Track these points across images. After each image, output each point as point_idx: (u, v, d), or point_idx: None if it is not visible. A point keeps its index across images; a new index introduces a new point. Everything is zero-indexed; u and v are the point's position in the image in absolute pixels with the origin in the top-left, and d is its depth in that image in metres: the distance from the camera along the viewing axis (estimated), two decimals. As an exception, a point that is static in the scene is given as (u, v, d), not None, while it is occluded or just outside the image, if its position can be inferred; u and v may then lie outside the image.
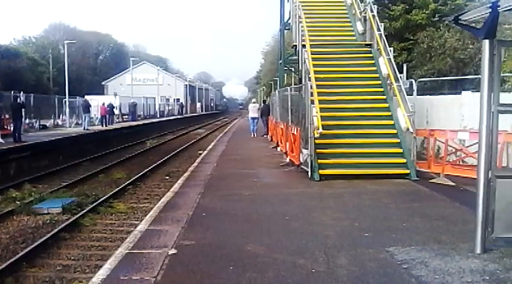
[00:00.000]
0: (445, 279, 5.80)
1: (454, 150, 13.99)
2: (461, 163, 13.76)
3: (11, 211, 13.31)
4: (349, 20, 21.03)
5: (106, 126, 38.81)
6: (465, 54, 27.73)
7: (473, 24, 7.45)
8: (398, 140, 14.27)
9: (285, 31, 30.54)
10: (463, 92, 17.10)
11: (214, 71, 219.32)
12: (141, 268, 6.39)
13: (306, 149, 13.95)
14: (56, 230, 11.30)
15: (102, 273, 6.29)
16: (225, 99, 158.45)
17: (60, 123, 38.26)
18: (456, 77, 24.35)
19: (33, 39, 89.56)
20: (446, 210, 9.63)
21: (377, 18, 17.96)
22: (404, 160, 13.64)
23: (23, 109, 25.69)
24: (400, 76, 15.61)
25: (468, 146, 13.39)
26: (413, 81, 16.42)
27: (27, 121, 31.09)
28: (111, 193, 15.51)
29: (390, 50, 16.66)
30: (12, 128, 24.53)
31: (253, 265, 6.43)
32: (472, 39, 26.27)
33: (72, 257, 9.93)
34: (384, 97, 15.74)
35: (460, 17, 7.12)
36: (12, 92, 28.19)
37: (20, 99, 27.68)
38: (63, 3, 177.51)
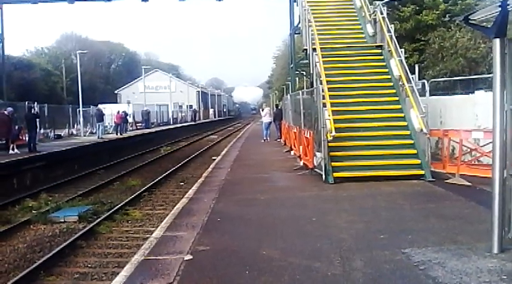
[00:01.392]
0: (462, 280, 5.77)
1: (468, 150, 13.91)
2: (476, 162, 13.67)
3: (28, 220, 13.45)
4: (359, 22, 21.00)
5: (120, 134, 38.98)
6: (477, 54, 27.52)
7: (484, 24, 7.42)
8: (412, 141, 14.21)
9: (295, 35, 30.58)
10: (476, 92, 16.98)
11: (226, 77, 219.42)
12: (158, 274, 6.41)
13: (319, 152, 13.94)
14: (72, 238, 11.39)
15: (118, 280, 6.34)
16: (237, 105, 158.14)
17: (74, 132, 38.52)
18: (469, 77, 24.16)
19: (46, 50, 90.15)
20: (462, 210, 9.57)
21: (387, 19, 17.91)
22: (418, 161, 13.57)
23: (37, 120, 25.91)
24: (412, 77, 15.53)
25: (483, 145, 13.31)
26: (425, 81, 16.31)
27: (41, 131, 31.35)
28: (126, 201, 15.61)
29: (401, 51, 16.60)
30: (27, 138, 24.73)
31: (269, 269, 6.43)
32: (483, 38, 26.10)
33: (89, 265, 10.00)
34: (397, 98, 15.68)
35: (470, 17, 7.10)
36: (27, 103, 28.44)
37: (34, 109, 27.92)
38: (74, 13, 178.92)
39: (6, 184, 18.88)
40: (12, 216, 14.38)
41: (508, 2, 6.31)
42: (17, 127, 25.11)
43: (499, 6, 6.40)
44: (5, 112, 23.62)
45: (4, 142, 24.02)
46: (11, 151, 22.89)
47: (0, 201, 16.04)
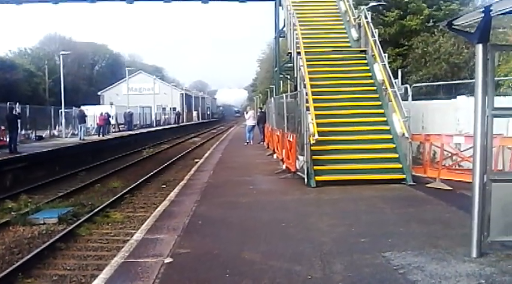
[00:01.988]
0: (441, 283, 5.79)
1: (449, 155, 14.00)
2: (457, 167, 13.77)
3: (7, 222, 13.29)
4: (343, 26, 21.06)
5: (102, 135, 38.73)
6: (460, 59, 27.81)
7: (467, 29, 7.45)
8: (394, 145, 14.28)
9: (280, 38, 30.61)
10: (458, 97, 17.12)
11: (210, 80, 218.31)
12: (137, 277, 6.35)
13: (302, 156, 13.94)
14: (51, 240, 11.29)
15: (97, 282, 6.28)
16: (221, 108, 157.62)
17: (56, 133, 38.19)
18: (451, 82, 24.37)
19: (29, 50, 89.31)
20: (443, 214, 9.61)
21: (371, 24, 18.00)
22: (400, 165, 13.64)
23: (18, 121, 25.68)
24: (395, 82, 15.62)
25: (464, 150, 13.39)
26: (408, 86, 16.42)
27: (23, 132, 31.05)
28: (107, 203, 15.52)
29: (385, 56, 16.68)
30: (8, 139, 24.48)
31: (250, 272, 6.40)
32: (466, 43, 26.38)
33: (68, 268, 9.92)
34: (379, 103, 15.76)
35: (453, 22, 7.13)
36: (8, 103, 28.15)
37: (16, 110, 27.66)
38: (58, 14, 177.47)
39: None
40: (-9, 217, 14.21)
41: (490, 8, 6.35)
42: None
43: (482, 12, 6.44)
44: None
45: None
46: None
47: (-20, 202, 15.88)
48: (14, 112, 25.62)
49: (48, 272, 9.62)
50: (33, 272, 9.58)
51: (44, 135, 35.43)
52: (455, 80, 24.84)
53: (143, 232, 8.76)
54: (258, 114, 32.84)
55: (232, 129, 64.43)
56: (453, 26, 7.21)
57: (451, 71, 28.26)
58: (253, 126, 30.42)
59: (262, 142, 28.24)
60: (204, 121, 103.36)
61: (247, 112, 33.30)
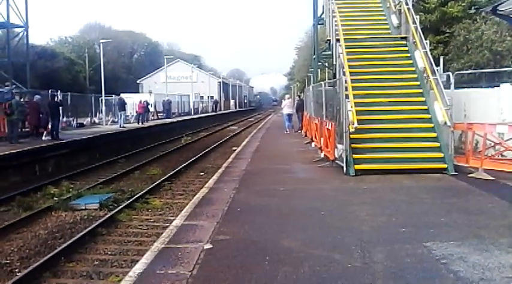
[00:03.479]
0: (484, 274, 5.68)
1: (492, 144, 13.69)
2: (500, 157, 13.46)
3: (49, 207, 13.56)
4: (383, 13, 20.77)
5: (142, 123, 39.17)
6: (503, 47, 27.17)
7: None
8: (436, 134, 14.02)
9: (319, 26, 30.39)
10: (501, 85, 16.69)
11: (247, 68, 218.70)
12: (177, 262, 6.42)
13: (340, 144, 13.82)
14: (93, 225, 11.48)
15: (138, 267, 6.35)
16: (258, 96, 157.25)
17: (96, 121, 38.79)
18: (494, 70, 23.84)
19: (69, 39, 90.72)
20: (485, 204, 9.42)
21: (412, 11, 17.70)
22: (441, 155, 13.40)
23: (60, 108, 26.15)
24: (437, 70, 15.34)
25: (507, 140, 13.09)
26: (450, 74, 16.08)
27: (64, 119, 31.62)
28: (147, 189, 15.66)
29: (426, 43, 16.39)
30: (50, 126, 24.98)
31: (289, 259, 6.39)
32: (509, 31, 25.76)
33: (109, 252, 10.06)
34: (421, 90, 15.49)
35: (498, 8, 6.97)
36: (50, 91, 28.67)
37: (58, 97, 28.14)
38: (97, 3, 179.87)
39: (28, 171, 19.13)
40: (34, 203, 14.50)
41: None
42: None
43: (529, -4, 6.26)
44: (34, 100, 24.04)
45: (28, 129, 24.43)
46: (44, 138, 23.42)
47: (23, 187, 16.25)
48: (55, 100, 26.10)
49: (89, 257, 9.79)
50: (75, 256, 9.75)
51: (85, 122, 36.02)
52: (498, 68, 24.30)
53: (182, 218, 8.84)
54: (296, 101, 32.66)
55: (270, 117, 64.34)
56: (498, 12, 7.05)
57: (494, 58, 27.65)
58: (290, 114, 30.26)
59: (300, 131, 28.14)
60: (242, 109, 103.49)
61: (284, 100, 33.12)
